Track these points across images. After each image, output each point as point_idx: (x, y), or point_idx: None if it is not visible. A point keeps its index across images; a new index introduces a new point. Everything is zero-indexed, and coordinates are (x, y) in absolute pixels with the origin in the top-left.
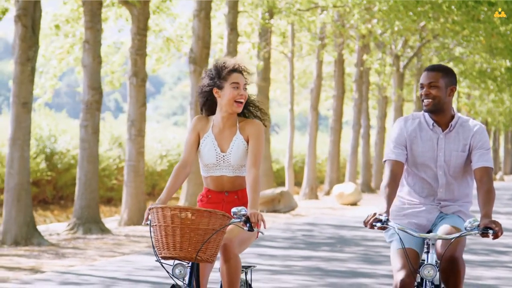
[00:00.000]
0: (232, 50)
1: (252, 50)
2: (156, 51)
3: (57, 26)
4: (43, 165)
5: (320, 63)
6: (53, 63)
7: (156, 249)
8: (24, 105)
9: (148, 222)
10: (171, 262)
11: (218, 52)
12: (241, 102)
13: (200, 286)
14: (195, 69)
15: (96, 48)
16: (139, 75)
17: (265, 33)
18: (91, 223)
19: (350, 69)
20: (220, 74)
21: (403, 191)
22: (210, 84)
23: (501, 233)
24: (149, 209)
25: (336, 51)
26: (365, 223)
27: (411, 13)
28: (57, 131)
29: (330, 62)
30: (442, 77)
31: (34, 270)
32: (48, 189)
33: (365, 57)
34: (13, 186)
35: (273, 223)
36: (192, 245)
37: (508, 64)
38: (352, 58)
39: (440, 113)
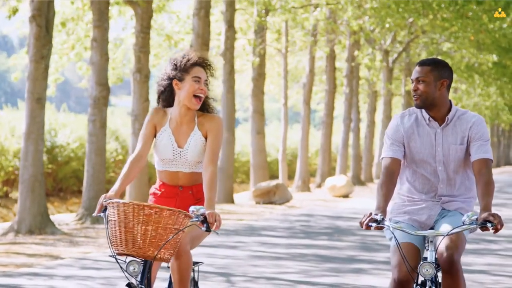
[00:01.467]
0: (230, 47)
1: (247, 47)
2: (155, 47)
3: (63, 24)
4: (43, 158)
5: (312, 59)
6: (54, 58)
7: (112, 244)
8: (38, 100)
9: (101, 214)
10: (123, 258)
11: (215, 48)
12: (200, 98)
13: (150, 284)
14: None
15: (104, 45)
16: (142, 71)
17: (260, 30)
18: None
19: (341, 64)
20: (183, 66)
21: (403, 188)
22: (171, 74)
23: (501, 226)
24: (108, 203)
25: (328, 47)
26: (361, 224)
27: (401, 10)
28: (57, 125)
29: (321, 58)
30: (432, 70)
31: (53, 257)
32: (48, 182)
33: (356, 53)
34: (27, 178)
35: (270, 214)
36: (153, 243)
37: (495, 59)
38: (343, 54)
39: (433, 108)
